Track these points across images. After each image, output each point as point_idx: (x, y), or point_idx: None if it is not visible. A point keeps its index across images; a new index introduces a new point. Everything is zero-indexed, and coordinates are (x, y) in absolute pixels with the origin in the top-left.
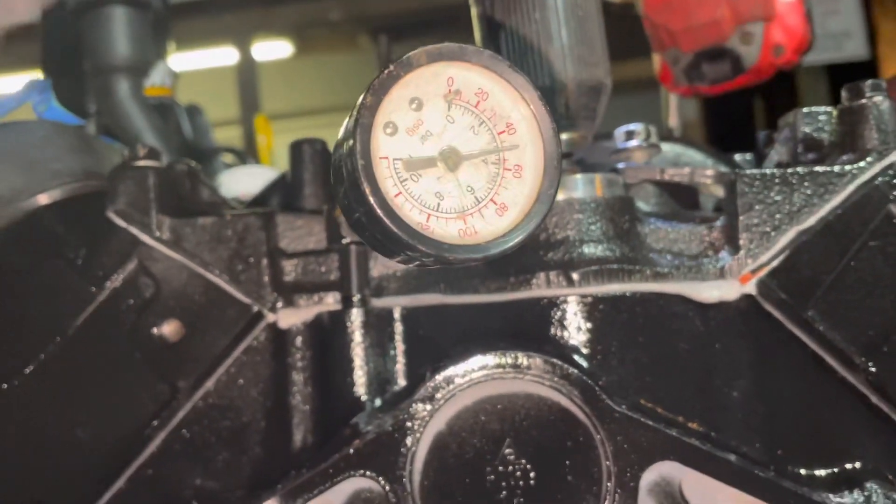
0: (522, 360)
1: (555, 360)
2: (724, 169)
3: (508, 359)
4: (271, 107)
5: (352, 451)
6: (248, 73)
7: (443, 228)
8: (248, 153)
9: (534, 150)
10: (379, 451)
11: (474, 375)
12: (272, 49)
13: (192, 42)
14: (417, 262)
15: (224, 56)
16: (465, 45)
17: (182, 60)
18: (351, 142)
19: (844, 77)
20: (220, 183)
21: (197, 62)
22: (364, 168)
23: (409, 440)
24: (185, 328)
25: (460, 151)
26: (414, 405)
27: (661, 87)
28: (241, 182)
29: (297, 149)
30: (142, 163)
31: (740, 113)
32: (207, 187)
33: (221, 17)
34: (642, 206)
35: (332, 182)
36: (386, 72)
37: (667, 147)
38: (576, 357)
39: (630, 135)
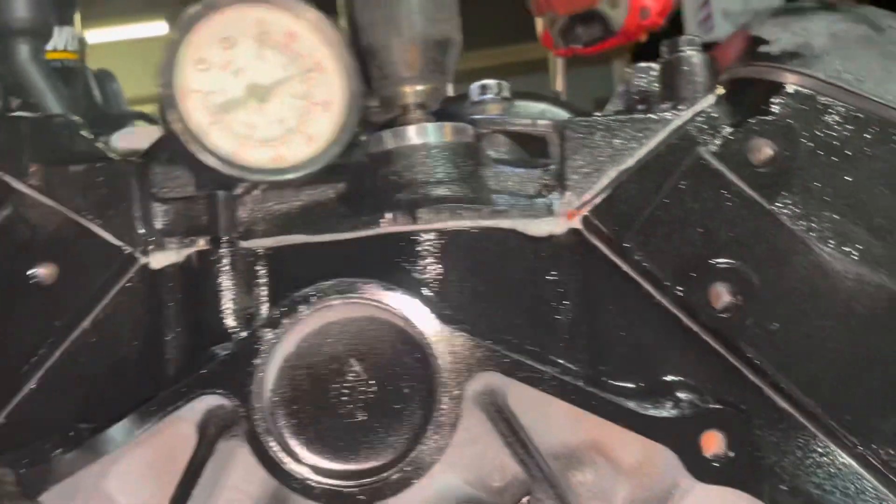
0: (360, 286)
1: (391, 286)
2: None
3: (348, 286)
4: None
5: (203, 371)
6: None
7: (254, 155)
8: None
9: (340, 87)
10: (228, 371)
11: (316, 301)
12: None
13: (123, 16)
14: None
15: (155, 29)
16: None
17: (114, 33)
18: (161, 77)
19: None
20: (112, 141)
21: (129, 34)
22: (169, 99)
23: (256, 360)
24: (60, 271)
25: (270, 87)
26: (260, 330)
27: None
28: (133, 140)
29: None
30: (16, 113)
31: None
32: (86, 140)
33: None
34: (492, 153)
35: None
36: (193, 10)
37: (537, 106)
38: (421, 287)
39: (483, 89)
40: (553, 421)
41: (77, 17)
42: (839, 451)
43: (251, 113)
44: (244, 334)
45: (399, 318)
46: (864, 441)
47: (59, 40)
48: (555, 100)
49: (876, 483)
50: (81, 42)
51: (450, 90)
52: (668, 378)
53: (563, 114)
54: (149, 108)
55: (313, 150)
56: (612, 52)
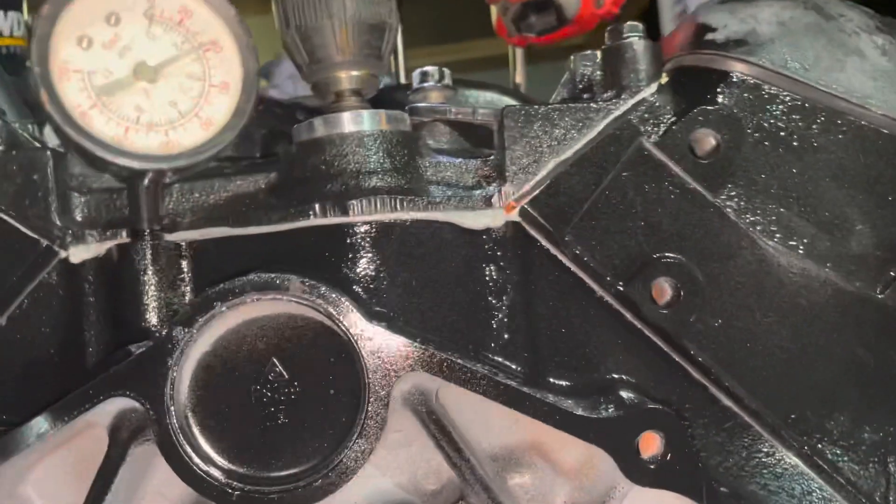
0: (279, 281)
1: (310, 281)
2: None
3: (266, 282)
4: None
5: (112, 371)
6: None
7: (143, 141)
8: None
9: (237, 67)
10: (138, 372)
11: (232, 298)
12: None
13: None
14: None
15: None
16: None
17: None
18: (33, 53)
19: None
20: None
21: None
22: (42, 78)
23: (168, 360)
24: None
25: (159, 67)
26: (174, 328)
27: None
28: None
29: None
30: None
31: None
32: (7, 125)
33: None
34: (432, 143)
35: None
36: None
37: (486, 95)
38: (352, 283)
39: (424, 76)
40: (490, 421)
41: (24, 1)
42: (785, 451)
43: (138, 95)
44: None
45: (323, 315)
46: (810, 440)
47: (5, 26)
48: (506, 89)
49: (822, 483)
50: (28, 27)
51: (388, 79)
52: (610, 376)
53: (512, 103)
54: None
55: (209, 135)
56: (573, 46)
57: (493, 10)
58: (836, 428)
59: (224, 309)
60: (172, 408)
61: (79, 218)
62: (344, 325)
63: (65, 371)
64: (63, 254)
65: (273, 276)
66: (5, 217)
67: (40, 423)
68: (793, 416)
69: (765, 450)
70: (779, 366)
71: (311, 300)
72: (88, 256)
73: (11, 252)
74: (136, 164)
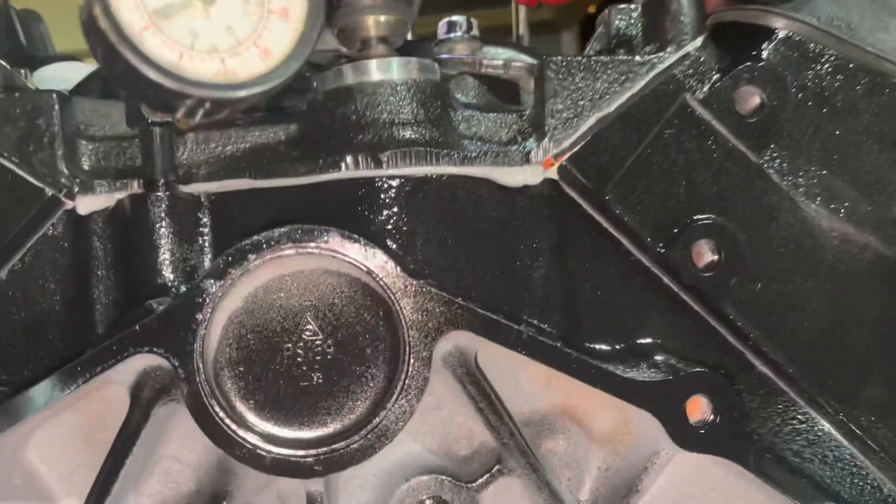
0: (319, 234)
1: (352, 235)
2: None
3: (304, 234)
4: None
5: (137, 327)
6: None
7: (197, 68)
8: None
9: None
10: (166, 327)
11: (268, 250)
12: None
13: None
14: (179, 109)
15: None
16: None
17: None
18: None
19: None
20: (36, 78)
21: None
22: (101, 2)
23: (198, 316)
24: None
25: None
26: (204, 281)
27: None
28: (59, 75)
29: None
30: None
31: None
32: (3, 69)
33: None
34: (461, 97)
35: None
36: None
37: (502, 52)
38: (383, 238)
39: (451, 26)
40: (523, 385)
41: None
42: (819, 417)
43: (195, 18)
44: (184, 288)
45: (361, 271)
46: (845, 408)
47: None
48: (523, 47)
49: (854, 451)
50: None
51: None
52: (646, 340)
53: (531, 61)
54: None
55: (268, 65)
56: (561, 24)
57: None
58: (870, 395)
59: (259, 262)
60: (202, 366)
61: (86, 167)
62: (384, 282)
63: (70, 329)
64: (70, 204)
65: (311, 227)
66: (6, 164)
67: (53, 384)
68: (828, 383)
69: (799, 416)
70: (816, 331)
71: (350, 255)
72: (97, 207)
73: (14, 201)
74: (196, 92)
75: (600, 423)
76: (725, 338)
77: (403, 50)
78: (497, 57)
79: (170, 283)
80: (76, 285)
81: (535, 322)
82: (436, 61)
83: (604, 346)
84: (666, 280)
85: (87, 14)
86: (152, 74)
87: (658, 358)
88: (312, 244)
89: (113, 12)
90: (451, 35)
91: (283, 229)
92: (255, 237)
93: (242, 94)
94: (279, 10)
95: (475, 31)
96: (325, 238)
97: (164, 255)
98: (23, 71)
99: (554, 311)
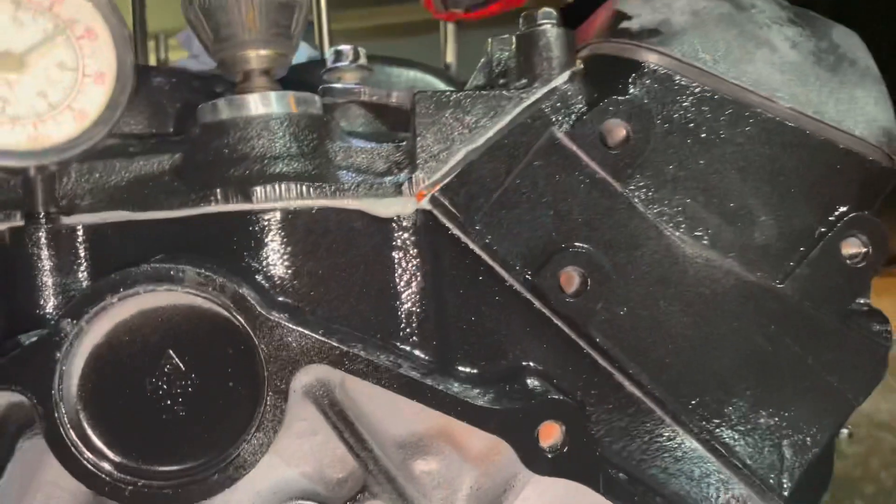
0: (173, 272)
1: (207, 272)
2: None
3: (159, 271)
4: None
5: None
6: None
7: (7, 134)
8: None
9: (112, 57)
10: (26, 365)
11: (124, 289)
12: None
13: None
14: None
15: None
16: None
17: None
18: None
19: None
20: None
21: None
22: None
23: (57, 354)
24: None
25: (26, 55)
26: (62, 320)
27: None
28: None
29: None
30: None
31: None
32: None
33: None
34: (345, 125)
35: None
36: None
37: (409, 74)
38: (255, 273)
39: (339, 55)
40: (399, 407)
41: None
42: (685, 435)
43: (8, 86)
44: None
45: (220, 306)
46: (709, 425)
47: None
48: (430, 68)
49: (720, 465)
50: None
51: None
52: (518, 364)
53: (438, 84)
54: None
55: (81, 128)
56: (510, 15)
57: None
58: (734, 413)
59: (115, 301)
60: (61, 402)
61: None
62: (241, 317)
63: None
64: None
65: (167, 266)
66: None
67: None
68: (693, 402)
69: (666, 434)
70: (681, 353)
71: (208, 291)
72: None
73: None
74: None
75: (475, 444)
76: (595, 360)
77: (297, 73)
78: (395, 82)
79: (49, 316)
80: None
81: (408, 349)
82: (323, 91)
83: (473, 370)
84: (536, 305)
85: None
86: None
87: (528, 381)
88: (168, 283)
89: None
90: (339, 64)
91: (139, 268)
92: (112, 276)
93: (52, 159)
94: (95, 73)
95: (362, 60)
96: (181, 276)
97: (43, 288)
98: None
99: (427, 336)
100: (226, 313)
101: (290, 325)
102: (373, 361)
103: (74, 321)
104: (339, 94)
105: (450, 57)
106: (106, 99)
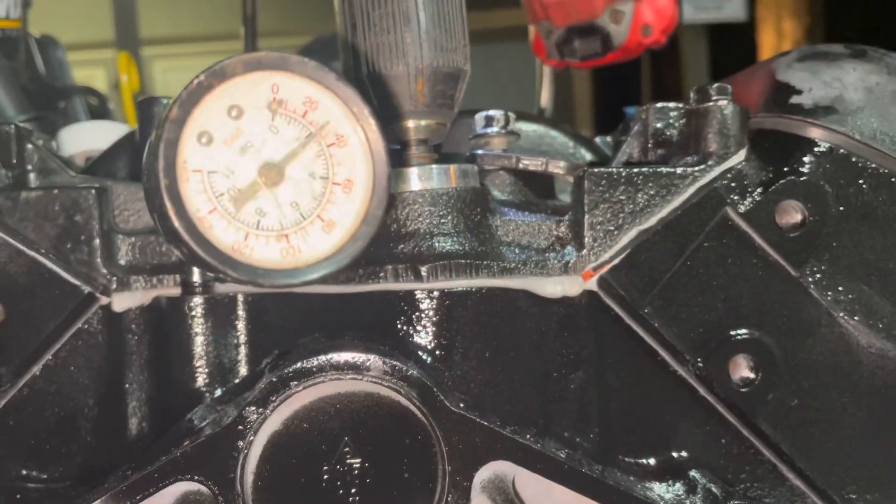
0: (361, 360)
1: (393, 362)
2: (585, 153)
3: (346, 360)
4: (150, 31)
5: (179, 454)
6: None
7: (263, 248)
8: (115, 90)
9: (365, 166)
10: (208, 455)
11: (310, 377)
12: None
13: None
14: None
15: None
16: (288, 53)
17: None
18: (155, 158)
19: (723, 37)
20: (61, 140)
21: None
22: (168, 189)
23: (240, 443)
24: (7, 311)
25: (283, 165)
26: (246, 409)
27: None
28: (85, 138)
29: (145, 107)
30: None
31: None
32: (39, 150)
33: None
34: (497, 194)
35: (144, 188)
36: (196, 82)
37: (531, 128)
38: (420, 352)
39: (489, 121)
40: (555, 497)
41: None
42: None
43: (263, 197)
44: (219, 391)
45: (401, 397)
46: None
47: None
48: (552, 122)
49: None
50: (25, 6)
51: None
52: (680, 454)
53: (560, 140)
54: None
55: (331, 241)
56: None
57: (531, 29)
58: None
59: (301, 388)
60: (241, 492)
61: (122, 262)
62: (425, 409)
63: (102, 426)
64: (105, 300)
65: (354, 355)
66: (44, 260)
67: None
68: (862, 499)
69: None
70: (850, 448)
71: (393, 381)
72: (133, 304)
73: (51, 298)
74: (262, 281)
75: None
76: (759, 450)
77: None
78: (537, 141)
79: (204, 389)
80: (109, 382)
81: (569, 435)
82: (473, 157)
83: (640, 461)
84: (702, 392)
85: (153, 189)
86: (214, 262)
87: (693, 474)
88: (356, 370)
89: (182, 198)
90: (488, 130)
91: (326, 357)
92: (298, 364)
93: (309, 277)
94: (343, 181)
95: (512, 126)
96: (368, 365)
97: (198, 358)
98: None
99: (590, 423)
100: (407, 402)
101: (475, 420)
102: (554, 458)
103: (260, 410)
104: (492, 161)
105: (544, 101)
106: (358, 210)
